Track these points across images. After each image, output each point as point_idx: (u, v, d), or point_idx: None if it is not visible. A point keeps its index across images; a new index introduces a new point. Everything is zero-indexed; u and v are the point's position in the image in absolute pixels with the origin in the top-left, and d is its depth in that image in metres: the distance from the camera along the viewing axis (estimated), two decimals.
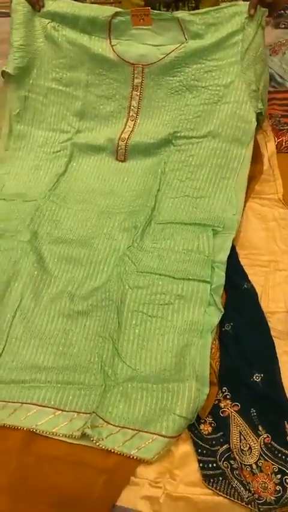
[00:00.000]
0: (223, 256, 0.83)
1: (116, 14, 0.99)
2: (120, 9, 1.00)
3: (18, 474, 0.61)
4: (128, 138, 1.04)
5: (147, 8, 0.99)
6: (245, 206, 0.95)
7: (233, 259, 0.84)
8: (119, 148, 1.04)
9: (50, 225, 0.93)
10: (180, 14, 0.97)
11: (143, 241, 0.88)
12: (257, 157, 1.02)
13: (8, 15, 2.33)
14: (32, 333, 0.77)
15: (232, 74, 0.98)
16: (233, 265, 0.84)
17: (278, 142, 1.08)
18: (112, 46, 1.02)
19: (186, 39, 0.99)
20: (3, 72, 1.03)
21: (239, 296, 0.80)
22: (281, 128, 1.11)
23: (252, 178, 1.00)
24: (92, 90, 1.06)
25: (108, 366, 0.71)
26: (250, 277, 0.83)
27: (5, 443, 0.64)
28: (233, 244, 0.86)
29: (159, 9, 1.12)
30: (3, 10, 2.28)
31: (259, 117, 1.00)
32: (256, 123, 0.99)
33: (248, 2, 0.93)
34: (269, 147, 1.07)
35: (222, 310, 0.75)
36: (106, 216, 0.94)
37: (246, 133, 0.97)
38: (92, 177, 1.04)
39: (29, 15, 1.01)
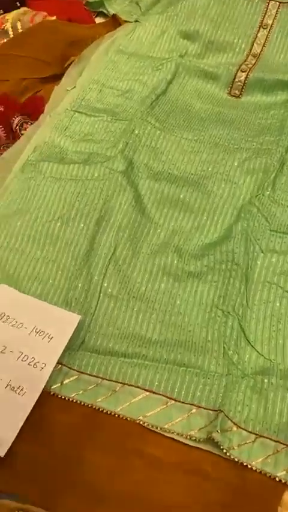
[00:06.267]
0: None
1: None
2: None
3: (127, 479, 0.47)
4: (249, 71, 0.82)
5: None
6: None
7: None
8: (236, 80, 0.82)
9: (148, 154, 0.73)
10: None
11: (274, 190, 0.68)
12: None
13: None
14: (130, 292, 0.60)
15: None
16: None
17: None
18: None
19: None
20: None
21: None
22: None
23: None
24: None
25: (232, 350, 0.55)
26: None
27: (105, 435, 0.49)
28: None
29: None
30: None
31: None
32: None
33: None
34: None
35: None
36: (222, 150, 0.73)
37: None
38: (199, 104, 0.82)
39: None
